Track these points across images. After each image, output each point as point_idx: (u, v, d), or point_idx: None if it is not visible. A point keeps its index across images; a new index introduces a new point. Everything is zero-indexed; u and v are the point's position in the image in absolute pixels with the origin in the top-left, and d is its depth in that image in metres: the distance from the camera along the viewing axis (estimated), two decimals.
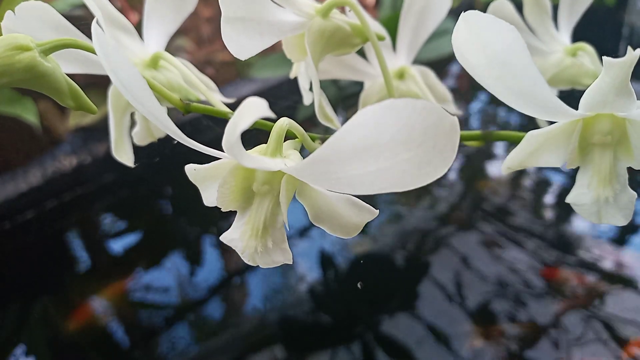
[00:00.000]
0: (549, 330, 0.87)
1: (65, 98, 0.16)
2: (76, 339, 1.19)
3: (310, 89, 0.22)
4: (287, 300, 1.18)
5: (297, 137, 0.18)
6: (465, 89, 2.18)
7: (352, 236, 0.17)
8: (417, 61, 0.29)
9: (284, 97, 1.86)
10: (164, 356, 1.11)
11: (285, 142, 0.17)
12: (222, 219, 1.45)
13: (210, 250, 1.45)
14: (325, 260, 1.12)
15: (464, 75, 2.21)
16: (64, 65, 0.20)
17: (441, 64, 1.57)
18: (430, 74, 0.27)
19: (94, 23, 0.12)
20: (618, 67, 0.14)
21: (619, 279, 0.91)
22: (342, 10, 0.22)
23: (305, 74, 0.22)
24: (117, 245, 1.51)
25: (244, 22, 0.17)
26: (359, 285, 1.07)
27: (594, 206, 0.18)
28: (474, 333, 0.92)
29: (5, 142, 1.46)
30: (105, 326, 1.21)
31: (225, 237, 0.16)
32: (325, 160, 0.13)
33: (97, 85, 1.57)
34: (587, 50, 0.26)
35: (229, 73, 1.87)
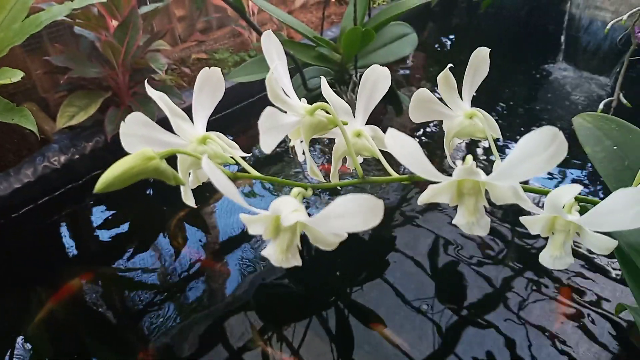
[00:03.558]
0: None
1: (170, 180, 0.30)
2: (70, 322, 1.31)
3: (303, 153, 0.36)
4: (264, 274, 1.33)
5: (299, 191, 0.32)
6: (420, 77, 2.34)
7: (332, 249, 0.30)
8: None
9: (256, 94, 1.97)
10: (150, 330, 1.25)
11: (295, 190, 0.31)
12: (200, 210, 1.57)
13: (192, 234, 1.58)
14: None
15: (416, 67, 2.37)
16: (152, 147, 0.33)
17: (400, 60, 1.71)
18: (378, 130, 0.41)
19: (204, 158, 0.25)
20: (457, 177, 0.29)
21: None
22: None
23: (300, 146, 0.36)
24: (106, 235, 1.63)
25: (270, 130, 0.30)
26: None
27: (466, 226, 0.32)
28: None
29: None
30: (97, 306, 1.34)
31: (264, 252, 0.30)
32: (320, 219, 0.27)
33: (83, 87, 1.65)
34: (478, 115, 0.40)
35: None
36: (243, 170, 0.34)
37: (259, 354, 1.13)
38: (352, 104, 0.39)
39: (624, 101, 1.31)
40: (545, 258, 0.34)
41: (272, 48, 0.34)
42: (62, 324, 1.31)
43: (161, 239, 1.53)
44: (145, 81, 0.36)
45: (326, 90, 0.37)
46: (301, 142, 0.35)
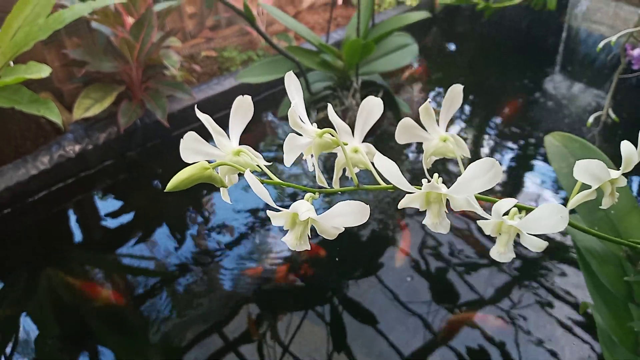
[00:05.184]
0: None
1: (218, 184, 0.41)
2: (78, 304, 1.42)
3: (313, 165, 0.47)
4: (265, 267, 1.43)
5: (310, 195, 0.43)
6: (424, 77, 2.44)
7: (333, 238, 0.42)
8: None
9: (263, 91, 2.07)
10: (152, 317, 1.37)
11: (308, 194, 0.42)
12: (203, 199, 1.68)
13: (195, 224, 1.69)
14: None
15: (418, 72, 2.47)
16: (198, 157, 0.44)
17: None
18: (371, 147, 0.52)
19: (247, 172, 0.37)
20: (424, 190, 0.40)
21: None
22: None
23: (310, 160, 0.47)
24: (115, 222, 1.74)
25: (290, 150, 0.42)
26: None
27: (432, 225, 0.43)
28: None
29: (15, 132, 1.65)
30: (103, 292, 1.44)
31: (283, 239, 0.41)
32: (325, 217, 0.38)
33: (99, 80, 1.77)
34: (450, 139, 0.51)
35: (211, 67, 2.07)
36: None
37: (254, 343, 1.24)
38: (352, 109, 0.50)
39: (613, 116, 1.42)
40: (494, 253, 0.46)
41: (292, 86, 0.45)
42: (67, 304, 1.41)
43: (165, 228, 1.63)
44: (195, 106, 0.47)
45: (332, 115, 0.48)
46: (312, 156, 0.46)
